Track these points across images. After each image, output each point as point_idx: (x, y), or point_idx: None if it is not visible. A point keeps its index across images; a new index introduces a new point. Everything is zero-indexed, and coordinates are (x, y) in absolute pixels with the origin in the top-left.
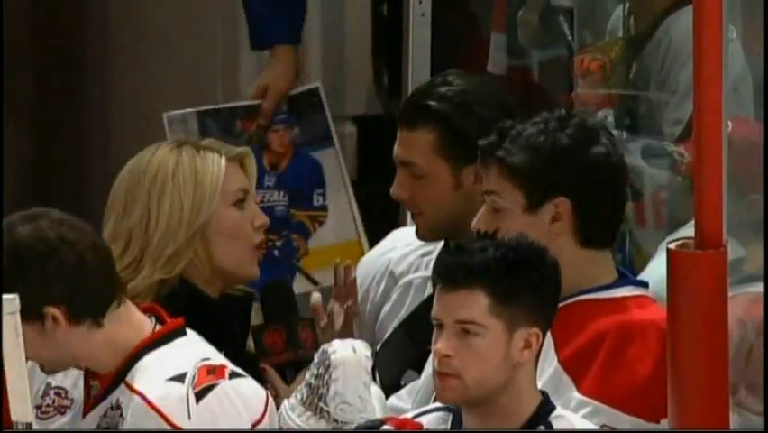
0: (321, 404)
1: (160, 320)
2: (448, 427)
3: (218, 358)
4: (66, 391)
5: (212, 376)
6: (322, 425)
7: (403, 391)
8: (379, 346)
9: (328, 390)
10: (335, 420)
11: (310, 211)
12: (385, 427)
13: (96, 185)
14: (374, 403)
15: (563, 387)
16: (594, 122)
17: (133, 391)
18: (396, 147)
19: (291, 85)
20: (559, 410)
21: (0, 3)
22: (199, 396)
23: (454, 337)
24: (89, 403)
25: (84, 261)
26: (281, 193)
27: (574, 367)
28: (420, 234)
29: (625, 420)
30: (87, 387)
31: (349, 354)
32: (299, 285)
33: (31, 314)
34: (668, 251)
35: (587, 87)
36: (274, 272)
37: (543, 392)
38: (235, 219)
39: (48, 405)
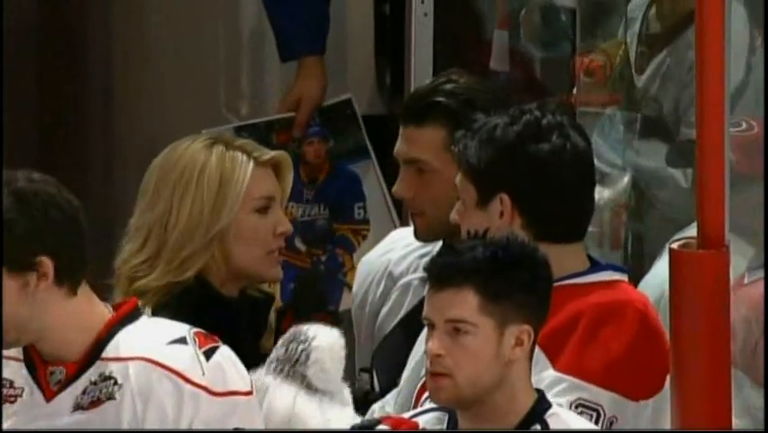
0: (297, 368)
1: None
2: (444, 427)
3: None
4: (11, 382)
5: (210, 340)
6: (292, 389)
7: (389, 397)
8: (375, 348)
9: (308, 357)
10: (308, 386)
11: (352, 225)
12: (381, 426)
13: (96, 185)
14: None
15: (540, 365)
16: (551, 119)
17: (125, 359)
18: (400, 145)
19: (323, 94)
20: (554, 408)
21: (0, 4)
22: (207, 355)
23: (445, 337)
24: (51, 390)
25: (77, 220)
26: (322, 207)
27: (550, 345)
28: (420, 235)
29: (602, 395)
30: (44, 374)
31: (326, 330)
32: (346, 301)
33: (22, 263)
34: (670, 250)
35: (587, 87)
36: (321, 287)
37: (538, 391)
38: (255, 225)
39: None
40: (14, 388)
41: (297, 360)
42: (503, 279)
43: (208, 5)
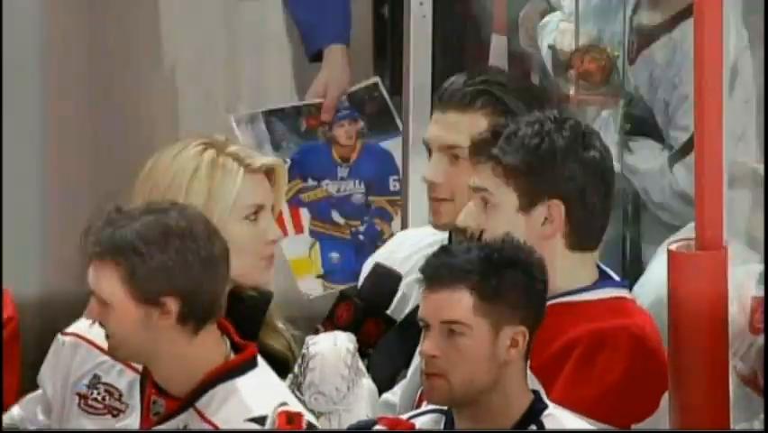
0: (297, 393)
1: (232, 342)
2: (441, 428)
3: (293, 402)
4: (120, 394)
5: (291, 426)
6: None
7: (397, 387)
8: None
9: (305, 379)
10: (311, 410)
11: (388, 197)
12: (377, 427)
13: (95, 185)
14: (360, 396)
15: None
16: (587, 126)
17: (206, 419)
18: (435, 131)
19: (348, 81)
20: (550, 409)
21: (0, 4)
22: None
23: (440, 337)
24: (149, 418)
25: (218, 263)
26: (357, 182)
27: (544, 374)
28: (440, 221)
29: (593, 426)
30: (148, 400)
31: (328, 346)
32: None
33: (148, 298)
34: (668, 252)
35: (586, 88)
36: (363, 257)
37: (535, 392)
38: (244, 233)
39: (95, 399)
40: (121, 402)
41: (300, 384)
42: (498, 280)
43: (208, 6)
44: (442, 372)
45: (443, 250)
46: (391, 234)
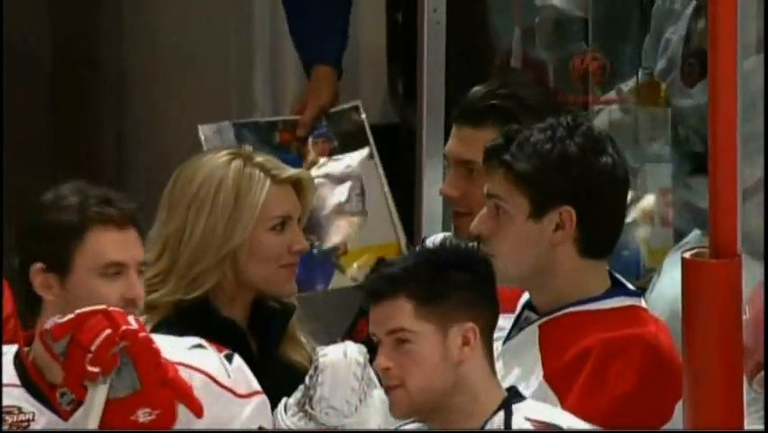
0: (307, 407)
1: None
2: None
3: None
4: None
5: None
6: (310, 427)
7: None
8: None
9: (315, 393)
10: (323, 424)
11: (350, 216)
12: None
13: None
14: (372, 409)
15: (548, 402)
16: (601, 131)
17: None
18: (452, 145)
19: (331, 102)
20: (527, 402)
21: (0, 7)
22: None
23: (390, 349)
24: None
25: None
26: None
27: (559, 384)
28: (459, 236)
29: None
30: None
31: (338, 359)
32: (337, 282)
33: None
34: (683, 260)
35: (591, 88)
36: (312, 270)
37: (510, 389)
38: (270, 244)
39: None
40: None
41: (311, 397)
42: (435, 282)
43: (221, 14)
44: (399, 381)
45: (382, 263)
46: (346, 251)
